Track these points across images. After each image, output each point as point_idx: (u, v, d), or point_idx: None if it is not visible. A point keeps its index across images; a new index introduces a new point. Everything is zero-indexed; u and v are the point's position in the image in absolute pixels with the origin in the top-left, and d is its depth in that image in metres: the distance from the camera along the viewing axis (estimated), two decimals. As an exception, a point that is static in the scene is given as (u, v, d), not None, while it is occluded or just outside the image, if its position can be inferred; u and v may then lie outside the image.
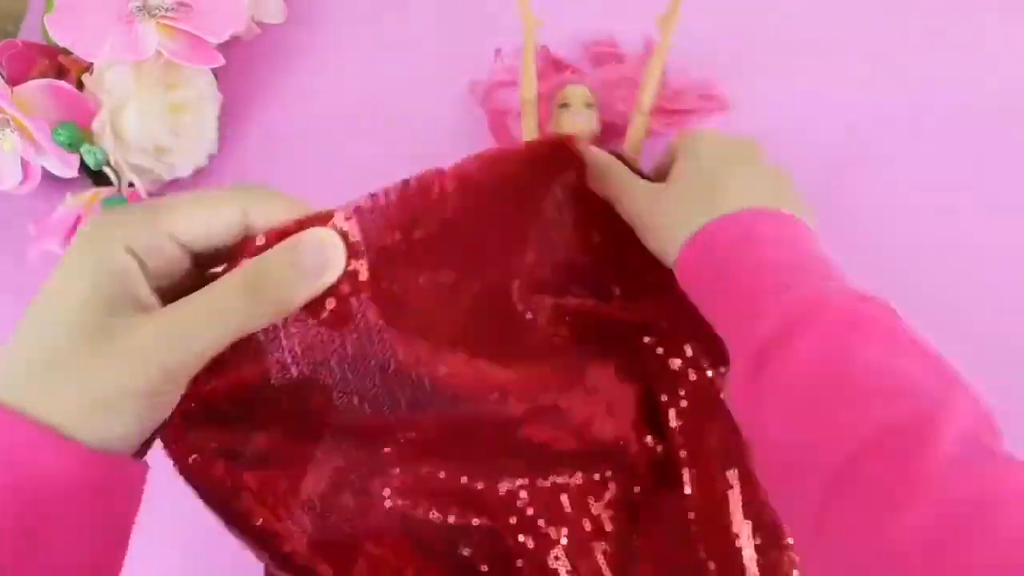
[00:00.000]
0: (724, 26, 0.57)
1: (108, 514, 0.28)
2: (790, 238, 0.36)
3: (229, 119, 0.61)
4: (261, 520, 0.35)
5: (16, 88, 0.54)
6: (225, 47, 0.57)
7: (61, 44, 0.55)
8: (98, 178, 0.57)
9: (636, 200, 0.40)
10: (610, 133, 0.53)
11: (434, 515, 0.41)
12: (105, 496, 0.28)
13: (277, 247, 0.29)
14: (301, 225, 0.30)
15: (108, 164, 0.55)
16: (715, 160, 0.39)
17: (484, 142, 0.57)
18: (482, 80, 0.59)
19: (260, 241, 0.29)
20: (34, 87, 0.54)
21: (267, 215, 0.29)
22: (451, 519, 0.41)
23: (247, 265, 0.29)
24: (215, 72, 0.60)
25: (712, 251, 0.36)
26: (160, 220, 0.28)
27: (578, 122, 0.52)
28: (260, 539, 0.35)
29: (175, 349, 0.27)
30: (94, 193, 0.55)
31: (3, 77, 0.54)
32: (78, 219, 0.54)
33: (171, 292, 0.29)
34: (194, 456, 0.32)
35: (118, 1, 0.54)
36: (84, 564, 0.28)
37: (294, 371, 0.32)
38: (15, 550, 0.25)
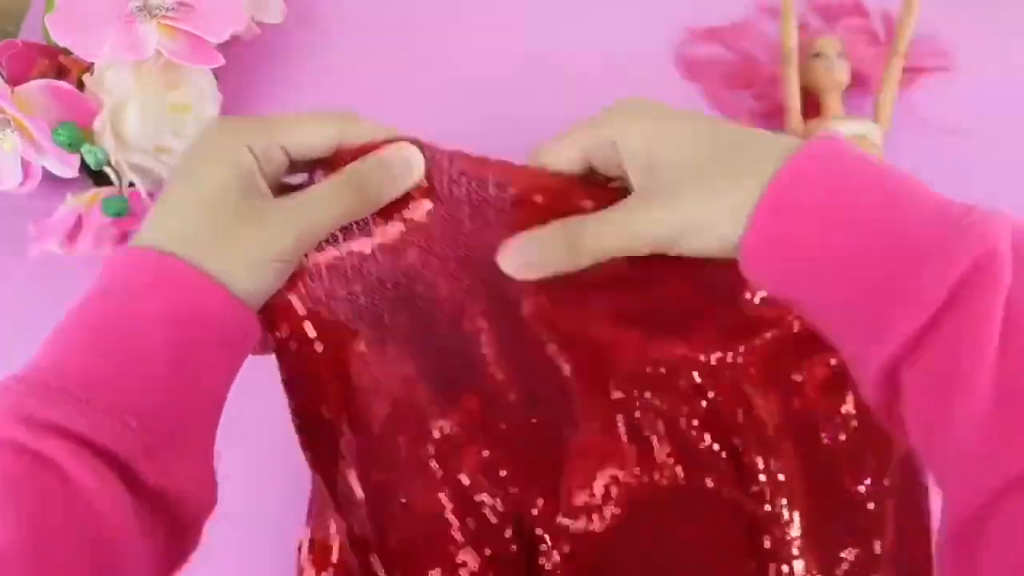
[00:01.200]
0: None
1: (238, 357, 0.35)
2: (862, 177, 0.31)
3: (229, 119, 0.61)
4: (327, 413, 0.38)
5: (16, 88, 0.53)
6: (225, 47, 0.57)
7: (61, 44, 0.55)
8: (98, 178, 0.57)
9: (645, 219, 0.34)
10: (856, 83, 0.58)
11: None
12: (242, 341, 0.35)
13: (372, 155, 0.36)
14: (385, 143, 0.36)
15: (109, 164, 0.55)
16: (680, 121, 0.35)
17: (488, 143, 0.57)
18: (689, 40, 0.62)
19: (347, 155, 0.36)
20: (34, 87, 0.54)
21: (358, 134, 0.36)
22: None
23: (351, 167, 0.36)
24: (215, 72, 0.59)
25: (801, 213, 0.31)
26: (274, 130, 0.35)
27: (833, 71, 0.56)
28: (319, 431, 0.38)
29: (307, 223, 0.34)
30: (94, 193, 0.55)
31: (3, 77, 0.54)
32: (78, 219, 0.54)
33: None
34: (286, 331, 0.37)
35: (118, 1, 0.54)
36: (215, 395, 0.34)
37: (379, 257, 0.37)
38: (178, 373, 0.32)
